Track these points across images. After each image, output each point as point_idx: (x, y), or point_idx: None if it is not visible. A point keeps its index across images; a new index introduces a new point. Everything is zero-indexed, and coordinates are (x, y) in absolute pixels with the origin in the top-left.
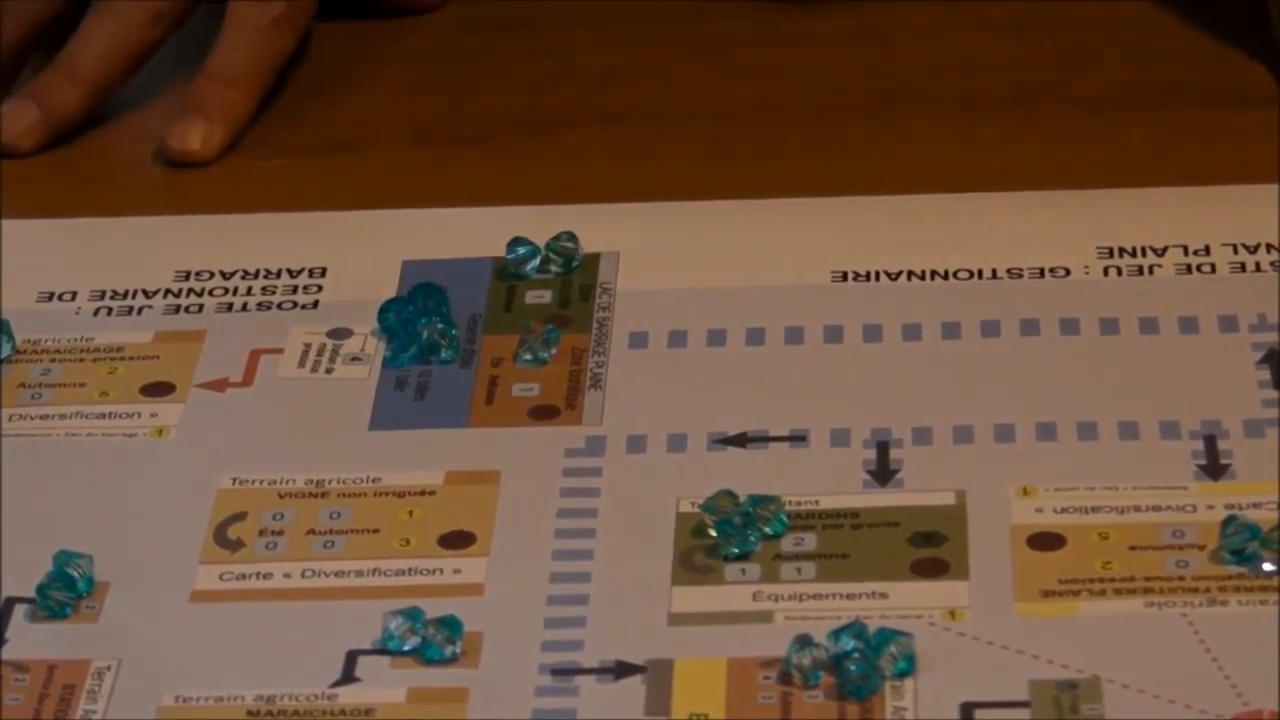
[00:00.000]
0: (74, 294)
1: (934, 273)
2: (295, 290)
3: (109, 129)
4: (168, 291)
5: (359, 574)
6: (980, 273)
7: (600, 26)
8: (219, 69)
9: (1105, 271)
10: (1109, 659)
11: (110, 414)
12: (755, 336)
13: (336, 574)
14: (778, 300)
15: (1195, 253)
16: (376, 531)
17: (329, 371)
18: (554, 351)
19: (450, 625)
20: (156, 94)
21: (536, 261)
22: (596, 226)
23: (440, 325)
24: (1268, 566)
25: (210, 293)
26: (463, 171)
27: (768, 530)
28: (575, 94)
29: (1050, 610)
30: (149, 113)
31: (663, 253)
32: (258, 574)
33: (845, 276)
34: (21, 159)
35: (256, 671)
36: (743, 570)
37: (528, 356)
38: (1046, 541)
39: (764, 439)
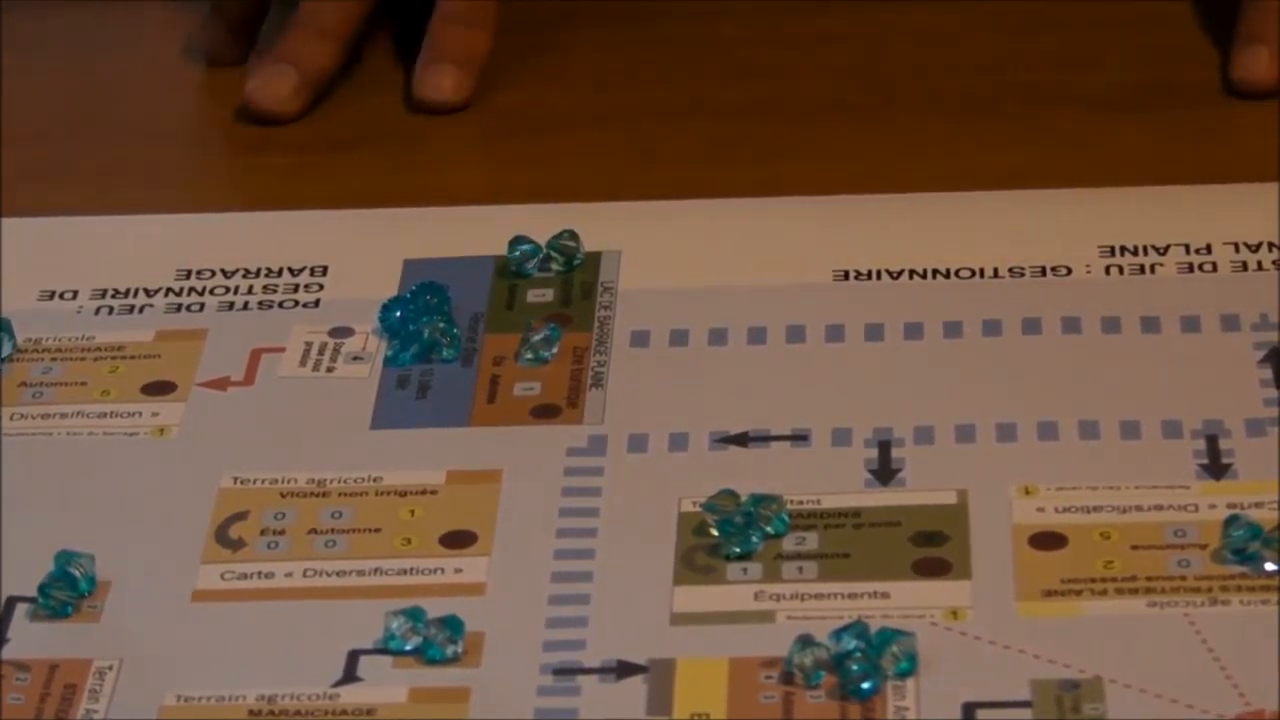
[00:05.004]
0: (75, 293)
1: (936, 271)
2: (297, 289)
3: (111, 125)
4: (169, 290)
5: (360, 573)
6: (982, 271)
7: (603, 25)
8: (455, 11)
9: (1107, 270)
10: (1111, 659)
11: (111, 413)
12: (757, 335)
13: (338, 573)
14: (779, 299)
15: (1197, 251)
16: (378, 531)
17: (330, 370)
18: (555, 350)
19: (452, 625)
20: (154, 91)
21: (538, 260)
22: (598, 225)
23: (442, 324)
24: (1269, 566)
25: (211, 291)
26: (464, 170)
27: (769, 529)
28: (577, 92)
29: (1052, 610)
30: (150, 108)
31: (664, 251)
32: (259, 573)
33: (847, 275)
34: (282, 124)
35: (258, 671)
36: (744, 570)
37: (529, 355)
38: (1048, 541)
39: (766, 438)
